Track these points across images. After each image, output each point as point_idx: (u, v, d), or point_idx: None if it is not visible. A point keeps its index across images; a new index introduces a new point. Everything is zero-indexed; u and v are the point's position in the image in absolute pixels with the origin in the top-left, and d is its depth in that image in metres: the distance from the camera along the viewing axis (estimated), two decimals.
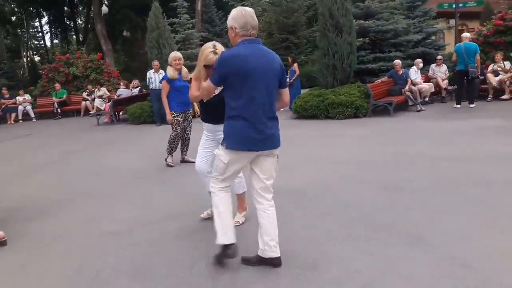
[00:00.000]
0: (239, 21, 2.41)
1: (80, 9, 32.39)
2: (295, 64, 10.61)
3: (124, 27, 28.62)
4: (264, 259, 2.61)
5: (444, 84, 10.12)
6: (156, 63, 10.00)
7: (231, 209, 2.66)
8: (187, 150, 5.86)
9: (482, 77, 9.58)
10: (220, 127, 2.75)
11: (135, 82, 13.65)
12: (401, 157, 5.22)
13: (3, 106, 14.32)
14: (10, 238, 3.46)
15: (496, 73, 9.72)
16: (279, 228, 2.64)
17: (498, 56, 9.86)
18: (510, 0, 18.04)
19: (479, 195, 3.65)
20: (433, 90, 9.99)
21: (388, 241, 2.88)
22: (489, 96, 9.71)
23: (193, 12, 18.81)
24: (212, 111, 3.13)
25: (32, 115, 14.54)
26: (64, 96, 14.83)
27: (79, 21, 34.17)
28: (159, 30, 10.95)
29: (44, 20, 34.28)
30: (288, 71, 11.09)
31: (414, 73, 9.78)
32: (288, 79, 10.88)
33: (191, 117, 5.72)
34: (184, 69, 5.52)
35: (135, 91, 13.06)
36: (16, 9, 30.02)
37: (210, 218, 3.33)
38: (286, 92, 2.64)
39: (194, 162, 3.53)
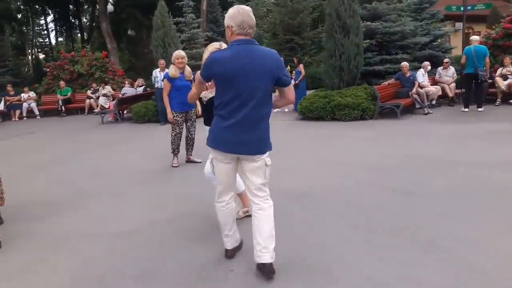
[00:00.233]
0: (236, 19, 2.35)
1: (85, 7, 32.47)
2: (301, 65, 10.53)
3: (128, 26, 28.61)
4: (257, 264, 2.51)
5: (451, 87, 10.00)
6: (162, 62, 9.97)
7: (228, 221, 2.70)
8: (192, 150, 5.80)
9: (491, 80, 9.47)
10: None
11: (140, 81, 13.63)
12: (410, 160, 5.14)
13: (7, 103, 14.32)
14: (15, 238, 3.42)
15: (505, 77, 9.60)
16: (289, 232, 2.59)
17: (507, 59, 9.74)
18: None
19: (492, 200, 3.57)
20: (440, 93, 9.88)
21: (400, 246, 2.81)
22: (498, 100, 9.60)
23: (198, 12, 18.78)
24: (212, 115, 3.07)
25: (37, 112, 14.54)
26: (69, 94, 14.83)
27: (84, 19, 34.26)
28: (164, 29, 10.91)
29: (50, 18, 34.53)
30: (294, 72, 11.04)
31: (422, 76, 9.68)
32: (293, 80, 10.83)
33: (195, 116, 5.67)
34: (188, 69, 5.48)
35: (140, 90, 13.04)
36: (22, 6, 30.14)
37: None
38: (289, 90, 2.49)
39: (200, 162, 3.49)
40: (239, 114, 2.34)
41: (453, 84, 10.05)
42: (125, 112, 12.28)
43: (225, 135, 2.39)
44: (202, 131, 3.42)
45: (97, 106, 13.54)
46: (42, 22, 36.04)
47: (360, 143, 6.43)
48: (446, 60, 10.45)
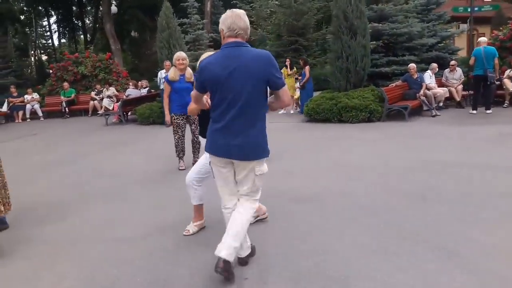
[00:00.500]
0: (225, 22, 2.36)
1: (89, 8, 32.49)
2: (307, 67, 10.44)
3: (131, 27, 28.65)
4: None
5: (458, 90, 9.87)
6: (167, 63, 9.90)
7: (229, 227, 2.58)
8: (198, 152, 5.71)
9: (499, 82, 9.36)
10: None
11: (144, 82, 13.56)
12: (420, 163, 5.04)
13: (11, 104, 14.28)
14: (21, 243, 3.34)
15: None
16: (304, 239, 2.50)
17: None
18: None
19: (508, 204, 3.47)
20: (447, 95, 9.77)
21: (420, 254, 2.71)
22: (506, 102, 9.49)
23: (202, 14, 18.73)
24: (207, 125, 2.98)
25: (40, 113, 14.49)
26: (72, 95, 14.76)
27: (87, 21, 34.29)
28: (169, 30, 10.83)
29: (53, 19, 34.52)
30: (300, 73, 10.96)
31: (429, 78, 9.58)
32: (299, 82, 10.75)
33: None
34: (189, 70, 5.43)
35: (144, 91, 12.99)
36: (25, 8, 30.20)
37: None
38: (283, 92, 2.40)
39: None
40: (228, 116, 2.34)
41: (460, 87, 9.93)
42: (129, 113, 12.22)
43: (217, 138, 2.41)
44: None
45: (101, 107, 13.48)
46: (45, 23, 36.09)
47: (368, 145, 6.34)
48: (452, 62, 10.30)
